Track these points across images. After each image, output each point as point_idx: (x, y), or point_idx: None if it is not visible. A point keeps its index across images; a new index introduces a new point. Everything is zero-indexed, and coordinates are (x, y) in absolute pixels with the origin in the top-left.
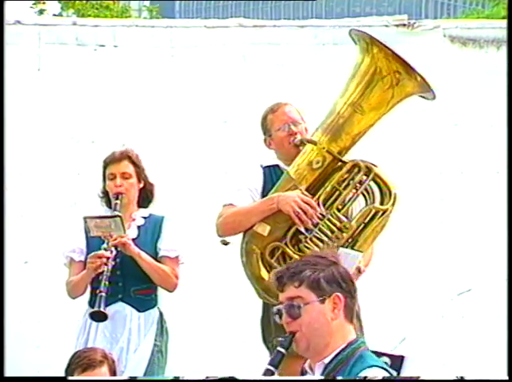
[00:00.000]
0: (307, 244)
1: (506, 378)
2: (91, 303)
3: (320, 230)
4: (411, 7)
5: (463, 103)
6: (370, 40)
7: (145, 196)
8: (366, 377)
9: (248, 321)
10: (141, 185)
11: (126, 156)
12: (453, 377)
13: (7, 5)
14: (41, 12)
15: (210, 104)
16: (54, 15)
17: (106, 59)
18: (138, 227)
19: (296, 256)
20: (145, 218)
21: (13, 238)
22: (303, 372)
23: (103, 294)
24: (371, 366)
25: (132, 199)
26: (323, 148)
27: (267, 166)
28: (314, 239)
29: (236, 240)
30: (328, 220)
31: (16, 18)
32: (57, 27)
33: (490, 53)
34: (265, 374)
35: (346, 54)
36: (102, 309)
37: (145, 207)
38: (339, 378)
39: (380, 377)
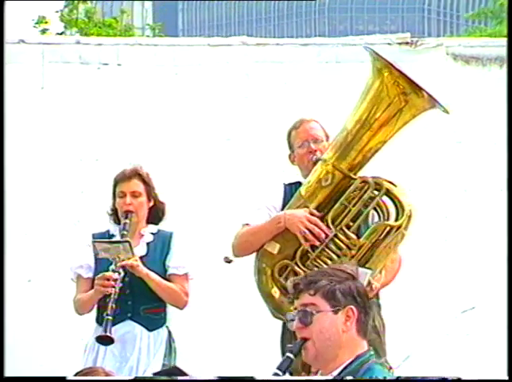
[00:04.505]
0: (315, 262)
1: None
2: (98, 321)
3: (327, 247)
4: (414, 25)
5: (467, 121)
6: (381, 64)
7: (156, 215)
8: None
9: (257, 336)
10: (151, 204)
11: (137, 174)
12: None
13: (10, 25)
14: (44, 31)
15: (213, 122)
16: (57, 34)
17: (110, 77)
18: (147, 244)
19: None
20: (153, 234)
21: (16, 256)
22: None
23: (110, 317)
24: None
25: (141, 218)
26: (331, 165)
27: (289, 184)
28: (322, 257)
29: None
30: (336, 237)
31: (19, 37)
32: (61, 46)
33: (493, 71)
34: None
35: (349, 72)
36: (108, 334)
37: (155, 225)
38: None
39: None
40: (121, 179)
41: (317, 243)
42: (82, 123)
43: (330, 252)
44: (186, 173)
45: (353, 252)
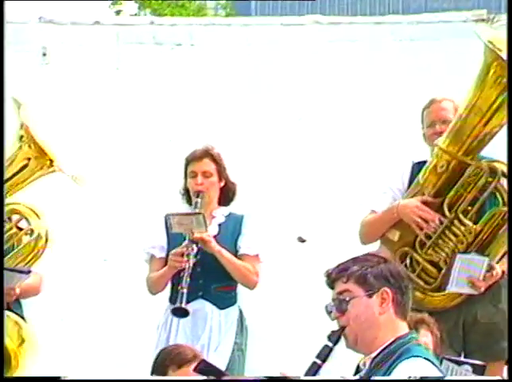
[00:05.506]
0: (432, 250)
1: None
2: (172, 299)
3: (444, 234)
4: (490, 2)
5: None
6: (492, 56)
7: (227, 195)
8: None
9: (327, 320)
10: (222, 184)
11: (208, 154)
12: None
13: (86, 6)
14: (119, 12)
15: (285, 102)
16: (131, 15)
17: (183, 57)
18: (219, 224)
19: (425, 262)
20: (225, 216)
21: (92, 236)
22: (358, 370)
23: (185, 290)
24: (415, 356)
25: (212, 197)
26: (446, 151)
27: (417, 162)
28: (440, 245)
29: (313, 238)
30: (452, 224)
31: (95, 19)
32: (135, 27)
33: None
34: (311, 367)
35: (423, 50)
36: (183, 306)
37: (226, 205)
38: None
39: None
40: (192, 159)
41: (431, 231)
42: (155, 104)
43: (446, 239)
44: (259, 154)
45: (469, 239)
